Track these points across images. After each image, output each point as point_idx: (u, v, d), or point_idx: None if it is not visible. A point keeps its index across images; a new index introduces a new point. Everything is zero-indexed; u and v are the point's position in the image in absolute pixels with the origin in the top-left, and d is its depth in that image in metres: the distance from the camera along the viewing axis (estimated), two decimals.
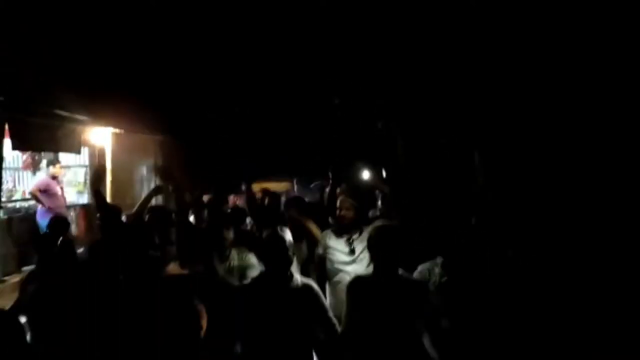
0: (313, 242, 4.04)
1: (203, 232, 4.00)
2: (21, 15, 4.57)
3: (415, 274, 3.24)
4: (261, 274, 3.08)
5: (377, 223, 3.22)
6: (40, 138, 4.40)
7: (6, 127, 3.97)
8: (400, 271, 3.08)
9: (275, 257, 2.95)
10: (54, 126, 4.75)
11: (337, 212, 3.92)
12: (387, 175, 4.43)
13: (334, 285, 3.68)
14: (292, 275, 3.03)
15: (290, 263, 3.03)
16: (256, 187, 6.59)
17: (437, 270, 3.28)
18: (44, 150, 5.40)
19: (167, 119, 7.86)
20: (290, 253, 2.99)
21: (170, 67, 7.02)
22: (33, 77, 4.41)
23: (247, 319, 2.92)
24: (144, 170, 8.93)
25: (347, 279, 3.54)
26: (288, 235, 3.01)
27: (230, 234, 3.75)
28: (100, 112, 5.53)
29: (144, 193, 8.45)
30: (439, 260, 3.35)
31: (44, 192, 5.87)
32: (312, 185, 9.42)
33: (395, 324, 2.90)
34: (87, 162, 7.17)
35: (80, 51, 5.28)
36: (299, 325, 2.94)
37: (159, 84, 7.10)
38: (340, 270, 3.75)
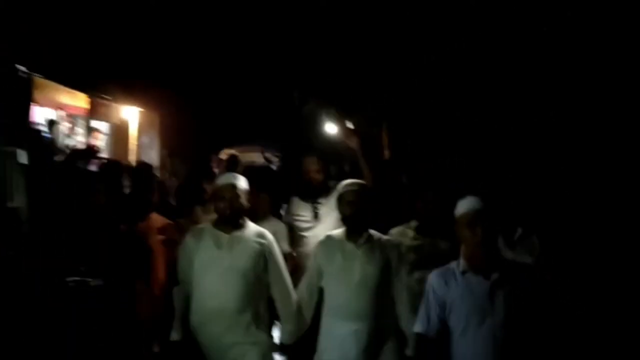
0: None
1: (184, 184, 4.11)
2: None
3: (387, 237, 3.09)
4: (215, 220, 2.97)
5: (346, 181, 3.03)
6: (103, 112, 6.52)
7: None
8: (372, 231, 2.95)
9: (222, 205, 2.86)
10: (105, 105, 6.86)
11: (305, 175, 3.75)
12: (354, 126, 4.07)
13: (299, 254, 3.51)
14: (245, 222, 2.95)
15: (240, 210, 2.92)
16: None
17: (410, 233, 3.23)
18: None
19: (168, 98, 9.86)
20: (242, 200, 2.91)
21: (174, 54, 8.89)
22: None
23: (194, 262, 2.86)
24: (145, 139, 10.99)
25: (309, 245, 3.43)
26: (242, 183, 2.94)
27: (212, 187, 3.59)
28: (132, 94, 7.64)
29: (145, 156, 10.54)
30: (412, 223, 3.28)
31: None
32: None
33: (365, 282, 2.80)
34: (108, 131, 9.08)
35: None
36: (248, 272, 2.84)
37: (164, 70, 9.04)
38: (304, 237, 3.62)
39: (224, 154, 8.92)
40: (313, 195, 3.72)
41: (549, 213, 3.48)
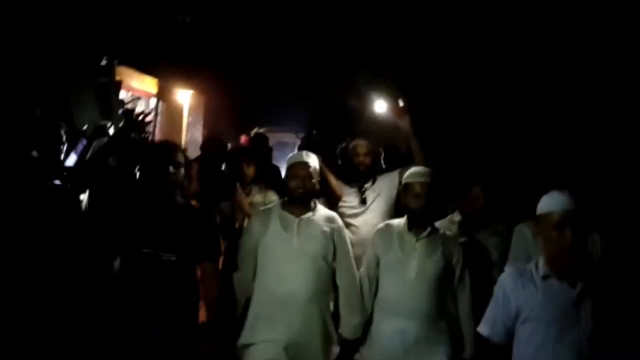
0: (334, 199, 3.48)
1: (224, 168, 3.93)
2: None
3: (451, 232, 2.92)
4: (283, 202, 2.83)
5: (413, 169, 2.81)
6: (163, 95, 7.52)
7: None
8: (437, 224, 2.79)
9: (295, 183, 2.71)
10: (166, 88, 7.85)
11: (355, 158, 3.57)
12: (405, 105, 3.76)
13: None
14: (315, 204, 2.80)
15: (313, 191, 2.77)
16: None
17: (453, 229, 3.07)
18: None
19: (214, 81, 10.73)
20: (315, 180, 2.76)
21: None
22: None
23: (259, 247, 2.71)
24: (190, 119, 11.97)
25: (357, 233, 3.33)
26: (314, 161, 2.79)
27: (251, 170, 3.65)
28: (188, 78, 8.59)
29: (190, 135, 11.50)
30: (456, 217, 3.12)
31: None
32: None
33: (421, 278, 2.63)
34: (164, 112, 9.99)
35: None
36: (318, 257, 2.69)
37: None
38: (350, 225, 3.38)
39: (254, 133, 9.65)
40: (359, 179, 3.57)
41: (610, 209, 3.20)
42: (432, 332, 2.65)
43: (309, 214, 2.76)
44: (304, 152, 2.87)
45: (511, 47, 5.35)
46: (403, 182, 2.81)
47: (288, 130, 11.48)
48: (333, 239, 2.76)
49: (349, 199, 3.53)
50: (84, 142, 4.19)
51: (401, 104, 3.80)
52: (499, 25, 5.37)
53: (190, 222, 2.65)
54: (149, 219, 2.59)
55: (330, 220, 2.80)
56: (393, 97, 4.17)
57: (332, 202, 3.41)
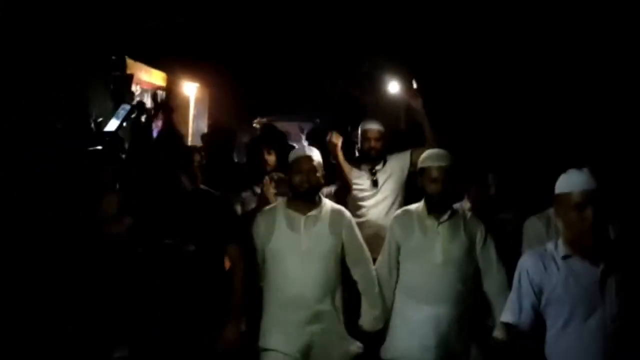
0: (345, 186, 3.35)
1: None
2: None
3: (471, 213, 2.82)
4: (288, 198, 2.77)
5: (430, 151, 2.73)
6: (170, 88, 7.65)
7: None
8: (455, 206, 2.71)
9: (299, 178, 2.63)
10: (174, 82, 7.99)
11: (365, 143, 3.55)
12: (418, 86, 3.71)
13: (358, 225, 3.02)
14: (320, 199, 2.74)
15: (318, 185, 2.71)
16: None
17: (467, 208, 2.98)
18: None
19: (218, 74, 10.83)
20: (319, 174, 2.69)
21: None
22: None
23: (265, 248, 2.64)
24: (195, 111, 12.11)
25: (368, 215, 3.33)
26: (316, 155, 2.73)
27: (272, 158, 3.55)
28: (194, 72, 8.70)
29: (196, 126, 11.61)
30: (466, 205, 3.04)
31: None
32: None
33: (447, 263, 2.57)
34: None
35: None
36: (327, 255, 2.64)
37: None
38: (362, 207, 3.40)
39: (256, 123, 9.74)
40: (370, 162, 3.58)
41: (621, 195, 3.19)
42: (460, 317, 2.60)
43: (315, 211, 2.69)
44: (307, 147, 2.89)
45: (522, 36, 5.36)
46: (419, 165, 2.75)
47: (290, 120, 11.49)
48: (342, 236, 2.71)
49: (360, 182, 3.49)
50: (127, 107, 4.28)
51: (415, 85, 3.76)
52: (510, 16, 5.38)
53: (205, 208, 2.66)
54: (164, 209, 2.59)
55: (337, 215, 2.74)
56: (406, 79, 4.07)
57: (344, 191, 3.35)
